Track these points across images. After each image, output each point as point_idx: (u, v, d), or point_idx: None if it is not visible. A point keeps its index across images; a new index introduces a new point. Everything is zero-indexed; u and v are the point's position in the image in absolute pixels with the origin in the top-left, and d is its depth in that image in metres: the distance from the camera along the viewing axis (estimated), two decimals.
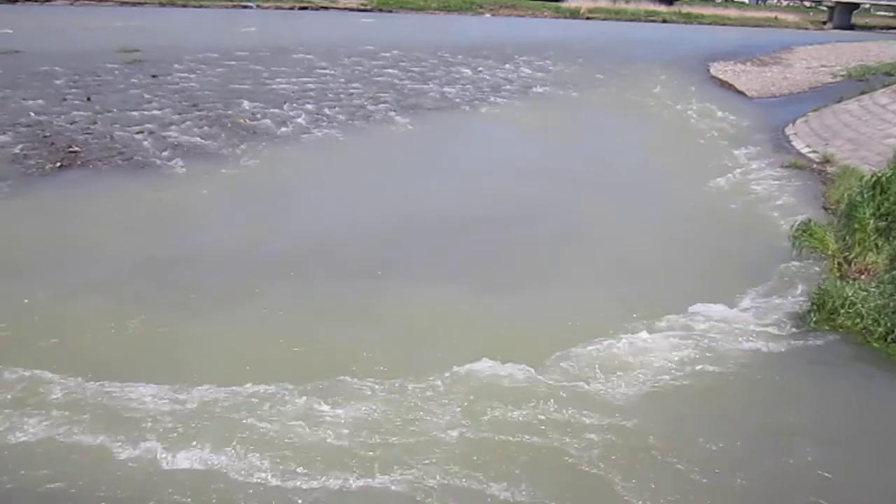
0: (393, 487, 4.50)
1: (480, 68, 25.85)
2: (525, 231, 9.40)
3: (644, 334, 6.43)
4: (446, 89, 20.79)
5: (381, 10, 68.87)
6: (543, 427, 5.12)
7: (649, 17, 65.58)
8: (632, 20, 64.06)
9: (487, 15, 66.41)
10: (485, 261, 8.30)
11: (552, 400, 5.39)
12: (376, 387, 5.47)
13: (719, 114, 19.15)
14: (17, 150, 11.83)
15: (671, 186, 11.89)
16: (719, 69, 29.18)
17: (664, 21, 64.65)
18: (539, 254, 8.66)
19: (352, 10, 68.10)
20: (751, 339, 6.49)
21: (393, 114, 16.79)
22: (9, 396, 5.16)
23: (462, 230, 9.27)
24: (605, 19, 64.17)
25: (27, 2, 59.93)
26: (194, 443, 4.80)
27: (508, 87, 22.27)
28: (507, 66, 27.10)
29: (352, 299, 7.11)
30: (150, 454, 4.68)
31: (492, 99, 19.91)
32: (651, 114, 19.43)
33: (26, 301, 6.71)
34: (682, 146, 15.45)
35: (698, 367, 5.99)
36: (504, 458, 4.82)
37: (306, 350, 6.07)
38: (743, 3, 76.13)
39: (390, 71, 23.87)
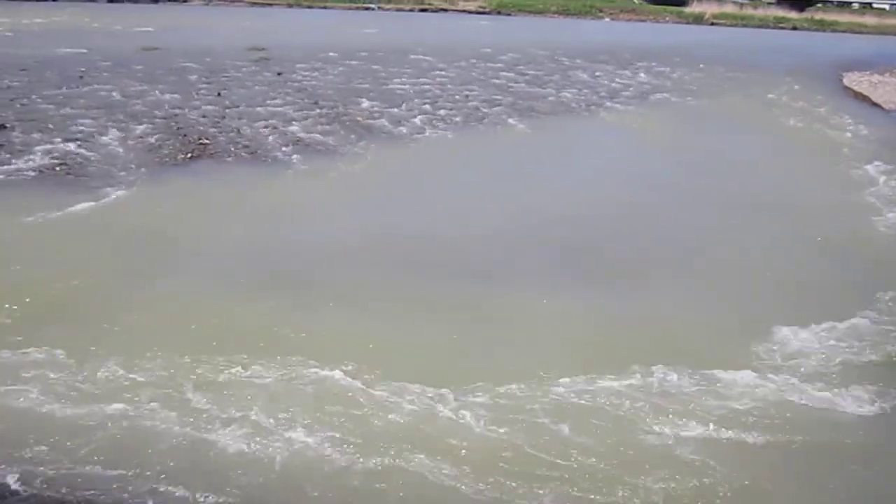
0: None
1: (598, 73, 25.48)
2: (637, 240, 9.20)
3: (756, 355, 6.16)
4: (562, 93, 20.61)
5: (499, 13, 69.01)
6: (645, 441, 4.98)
7: (778, 24, 62.68)
8: (759, 27, 61.48)
9: (607, 19, 65.35)
10: (599, 270, 8.14)
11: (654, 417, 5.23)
12: (499, 391, 5.41)
13: (851, 127, 18.11)
14: (152, 140, 12.58)
15: (795, 201, 11.32)
16: (853, 80, 27.58)
17: (794, 28, 61.60)
18: (653, 264, 8.44)
19: (470, 12, 68.53)
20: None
21: (507, 117, 16.79)
22: (148, 379, 5.47)
23: (574, 236, 9.16)
24: (730, 25, 61.85)
25: (167, 2, 63.65)
26: (322, 436, 4.93)
27: (626, 92, 21.83)
28: (626, 71, 26.59)
29: (464, 300, 7.10)
30: (274, 443, 4.84)
31: (608, 104, 19.58)
32: (776, 124, 18.58)
33: (156, 283, 7.10)
34: (808, 159, 14.71)
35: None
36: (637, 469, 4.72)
37: (416, 350, 6.11)
38: (883, 9, 71.44)
39: (506, 74, 23.89)
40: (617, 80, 24.34)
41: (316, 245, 8.35)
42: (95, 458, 4.56)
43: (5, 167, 10.66)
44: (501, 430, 5.00)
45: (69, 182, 10.27)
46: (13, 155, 11.26)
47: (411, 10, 67.66)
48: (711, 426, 5.13)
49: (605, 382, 5.58)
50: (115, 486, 4.36)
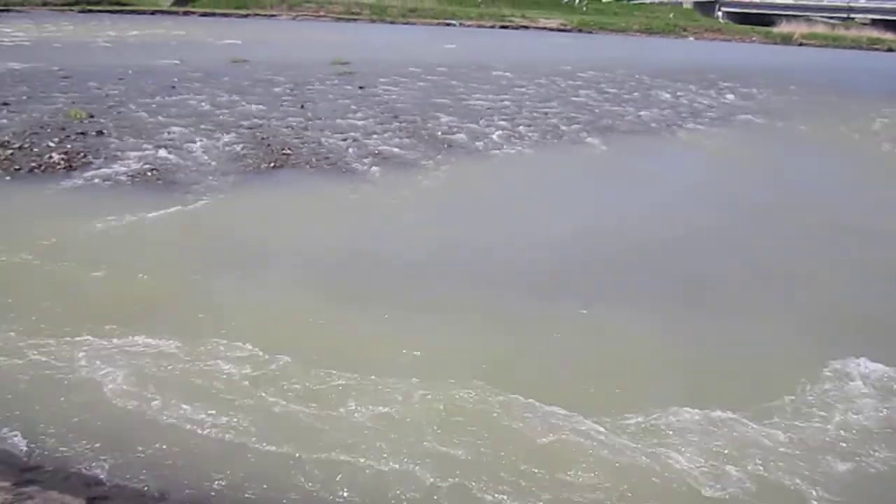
0: None
1: (680, 93, 25.07)
2: (716, 266, 8.93)
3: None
4: (643, 112, 20.34)
5: (580, 31, 68.71)
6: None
7: (872, 45, 60.34)
8: (852, 48, 59.36)
9: (690, 38, 64.22)
10: (675, 294, 7.94)
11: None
12: (580, 419, 5.34)
13: None
14: (238, 149, 13.00)
15: (887, 228, 10.84)
16: None
17: (889, 50, 59.21)
18: (732, 291, 8.19)
19: (551, 29, 68.48)
20: None
21: (585, 135, 16.66)
22: (243, 377, 5.63)
23: (650, 258, 8.98)
24: (820, 46, 59.91)
25: (256, 16, 65.78)
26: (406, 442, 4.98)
27: (709, 113, 21.39)
28: (710, 91, 26.08)
29: (537, 318, 7.06)
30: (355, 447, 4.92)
31: (690, 125, 19.22)
32: (870, 150, 17.87)
33: (235, 286, 7.31)
34: None
35: None
36: None
37: (488, 364, 6.10)
38: None
39: (586, 91, 23.76)
40: (700, 100, 23.90)
41: (393, 256, 8.44)
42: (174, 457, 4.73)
43: (102, 171, 11.21)
44: (637, 459, 4.92)
45: (159, 187, 10.70)
46: (109, 160, 11.83)
47: (492, 27, 68.06)
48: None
49: (701, 412, 5.44)
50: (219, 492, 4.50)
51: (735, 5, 76.08)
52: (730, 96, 25.32)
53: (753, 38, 65.50)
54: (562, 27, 69.72)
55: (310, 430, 5.01)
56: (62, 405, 5.12)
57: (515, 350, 6.36)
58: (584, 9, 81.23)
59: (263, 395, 5.36)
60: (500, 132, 15.94)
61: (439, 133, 15.44)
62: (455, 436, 5.02)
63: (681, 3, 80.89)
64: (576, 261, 8.72)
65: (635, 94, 24.14)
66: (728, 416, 5.38)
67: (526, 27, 69.36)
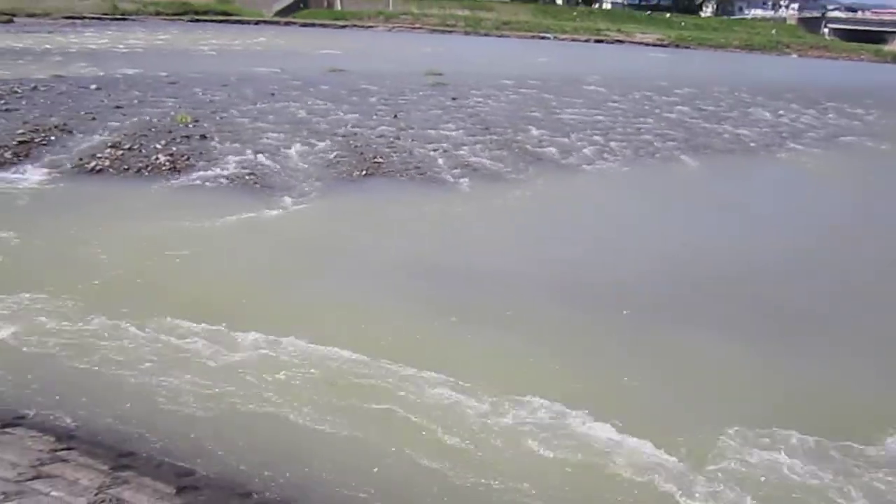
0: None
1: (781, 111, 24.21)
2: (809, 292, 8.53)
3: None
4: (741, 131, 19.74)
5: (677, 46, 67.48)
6: None
7: None
8: None
9: (794, 55, 62.05)
10: (771, 320, 7.64)
11: None
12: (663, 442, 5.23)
13: None
14: (331, 156, 13.31)
15: None
16: None
17: None
18: (827, 319, 7.82)
19: (647, 44, 67.51)
20: None
21: (679, 152, 16.28)
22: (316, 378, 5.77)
23: (743, 282, 8.66)
24: None
25: (354, 27, 67.39)
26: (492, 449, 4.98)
27: (811, 133, 20.55)
28: (812, 111, 25.09)
29: (622, 340, 6.91)
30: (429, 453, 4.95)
31: (790, 145, 18.51)
32: None
33: (322, 288, 7.48)
34: None
35: None
36: None
37: (575, 381, 6.03)
38: None
39: (682, 108, 23.26)
40: (801, 119, 23.01)
41: (477, 267, 8.44)
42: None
43: (204, 173, 11.69)
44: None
45: (256, 190, 11.06)
46: (210, 162, 12.32)
47: (587, 41, 67.63)
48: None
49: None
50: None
51: (843, 21, 73.13)
52: (834, 116, 24.29)
53: (862, 56, 62.73)
54: (658, 42, 68.60)
55: (380, 430, 5.07)
56: (160, 395, 5.34)
57: (595, 371, 6.25)
58: (682, 24, 79.70)
59: (335, 396, 5.44)
60: (592, 147, 15.77)
61: (530, 146, 15.40)
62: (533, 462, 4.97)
63: (784, 19, 78.31)
64: (664, 283, 8.49)
65: (733, 112, 23.46)
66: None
67: (621, 41, 68.62)
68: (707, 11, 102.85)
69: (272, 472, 4.64)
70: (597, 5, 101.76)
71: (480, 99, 22.05)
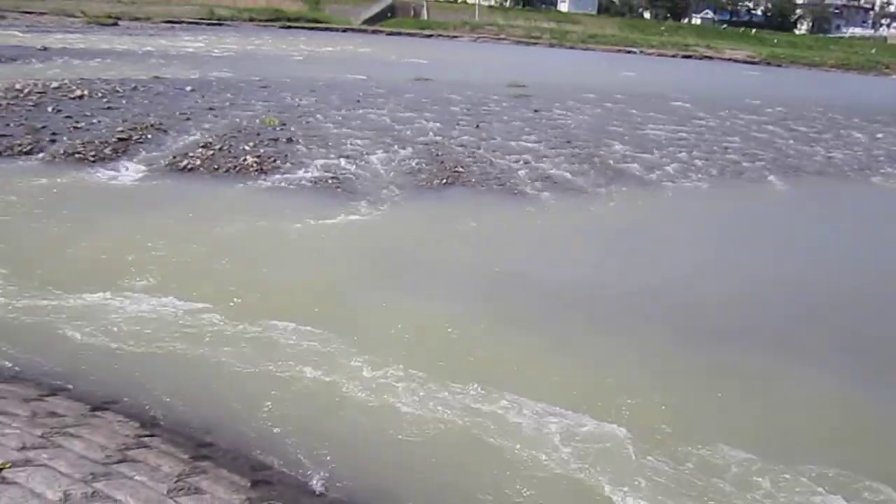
0: None
1: (879, 134, 23.19)
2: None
3: None
4: (833, 154, 18.99)
5: (768, 64, 65.63)
6: None
7: None
8: None
9: (894, 76, 59.30)
10: (861, 354, 7.30)
11: None
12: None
13: None
14: (413, 164, 13.46)
15: None
16: None
17: None
18: None
19: (737, 61, 65.88)
20: None
21: (768, 173, 15.77)
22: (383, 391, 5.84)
23: (832, 313, 8.29)
24: None
25: (439, 37, 68.12)
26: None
27: None
28: None
29: (696, 364, 6.73)
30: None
31: (888, 169, 17.69)
32: None
33: (396, 294, 7.54)
34: None
35: None
36: None
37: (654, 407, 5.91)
38: None
39: (772, 128, 22.56)
40: None
41: (551, 281, 8.35)
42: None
43: (289, 175, 12.00)
44: None
45: (338, 195, 11.27)
46: (295, 166, 12.63)
47: (674, 56, 66.47)
48: None
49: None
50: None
51: None
52: None
53: None
54: (749, 59, 66.85)
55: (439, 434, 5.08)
56: (239, 390, 5.49)
57: (670, 396, 6.10)
58: (775, 41, 77.44)
59: (407, 405, 5.48)
60: (676, 164, 15.46)
61: (612, 161, 15.20)
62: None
63: (885, 39, 75.06)
64: (743, 307, 8.23)
65: (826, 133, 22.60)
66: None
67: (710, 58, 67.15)
68: (802, 29, 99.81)
69: (345, 473, 4.70)
70: (685, 20, 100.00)
71: (563, 112, 21.92)
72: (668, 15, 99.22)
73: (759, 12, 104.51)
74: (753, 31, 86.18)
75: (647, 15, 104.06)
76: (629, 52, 67.53)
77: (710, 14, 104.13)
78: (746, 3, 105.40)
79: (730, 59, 66.59)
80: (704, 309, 7.99)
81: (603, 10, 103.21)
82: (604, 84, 31.69)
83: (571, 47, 68.86)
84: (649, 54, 66.79)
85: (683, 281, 8.82)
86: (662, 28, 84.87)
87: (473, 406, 5.48)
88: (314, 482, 4.57)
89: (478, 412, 5.41)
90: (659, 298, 8.16)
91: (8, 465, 3.55)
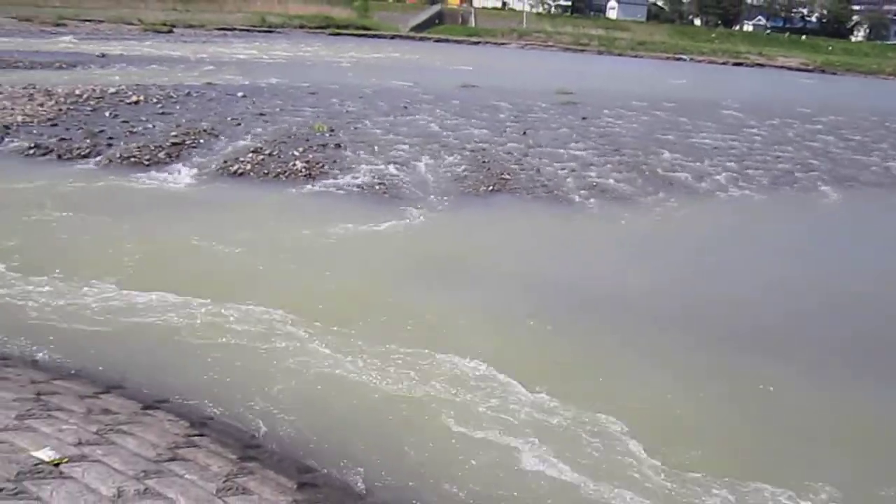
0: None
1: None
2: None
3: None
4: (891, 164, 18.46)
5: (823, 72, 64.13)
6: None
7: None
8: None
9: None
10: None
11: None
12: None
13: None
14: (459, 171, 13.48)
15: None
16: None
17: None
18: None
19: (790, 68, 64.54)
20: None
21: (821, 184, 15.40)
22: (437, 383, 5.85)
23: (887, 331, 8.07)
24: None
25: (487, 44, 68.20)
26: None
27: None
28: None
29: (752, 377, 6.58)
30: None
31: None
32: None
33: (440, 299, 7.56)
34: None
35: None
36: None
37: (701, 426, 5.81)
38: None
39: (826, 137, 22.02)
40: None
41: (598, 290, 8.29)
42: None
43: (336, 180, 12.14)
44: None
45: (385, 200, 11.36)
46: (343, 171, 12.76)
47: (724, 63, 65.47)
48: None
49: None
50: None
51: None
52: None
53: None
54: (802, 66, 65.44)
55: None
56: (287, 391, 5.56)
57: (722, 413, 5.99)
58: (830, 48, 75.70)
59: (451, 407, 5.48)
60: (726, 173, 15.19)
61: (661, 169, 15.02)
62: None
63: None
64: (791, 317, 8.05)
65: (884, 143, 21.98)
66: None
67: (762, 65, 65.95)
68: (858, 36, 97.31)
69: (390, 478, 4.72)
70: (737, 27, 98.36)
71: (611, 119, 21.74)
72: (719, 22, 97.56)
73: (813, 19, 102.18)
74: (804, 37, 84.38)
75: (697, 22, 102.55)
76: (679, 59, 66.67)
77: (763, 21, 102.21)
78: (800, 9, 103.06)
79: (782, 67, 65.28)
80: (756, 324, 7.84)
81: (652, 17, 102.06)
82: (653, 91, 31.34)
83: (620, 54, 68.27)
84: (699, 61, 65.86)
85: (733, 295, 8.63)
86: (713, 35, 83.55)
87: (514, 419, 5.47)
88: (359, 486, 4.60)
89: (517, 428, 5.40)
90: (712, 312, 7.99)
91: (65, 460, 3.65)
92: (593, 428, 5.35)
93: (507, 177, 13.25)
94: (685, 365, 6.62)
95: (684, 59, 66.51)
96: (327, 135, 15.76)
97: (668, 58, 67.14)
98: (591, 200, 12.24)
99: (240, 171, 12.32)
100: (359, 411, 5.40)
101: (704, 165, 15.82)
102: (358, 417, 5.33)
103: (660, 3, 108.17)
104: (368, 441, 5.06)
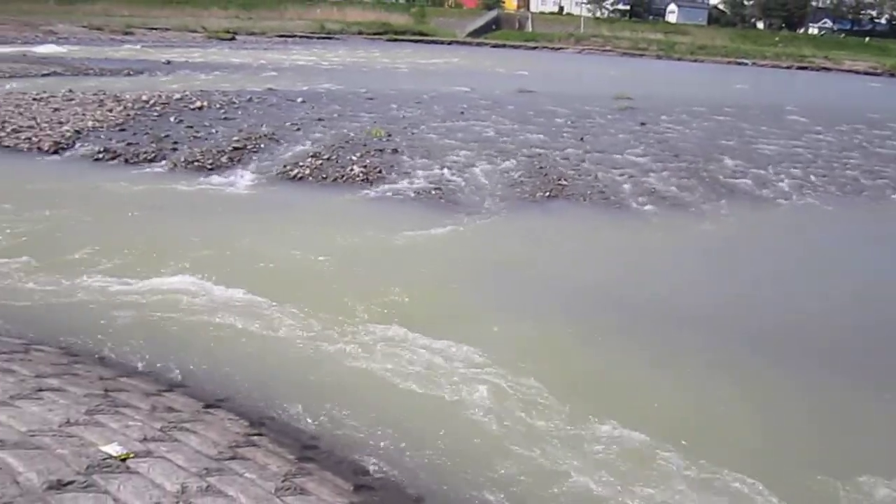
0: None
1: None
2: None
3: None
4: None
5: (892, 75, 62.03)
6: None
7: None
8: None
9: None
10: None
11: None
12: None
13: None
14: (515, 176, 13.45)
15: None
16: None
17: None
18: None
19: (858, 72, 62.63)
20: None
21: (892, 192, 14.86)
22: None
23: None
24: None
25: (544, 49, 67.96)
26: None
27: None
28: None
29: (819, 397, 6.40)
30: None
31: None
32: None
33: (496, 306, 7.54)
34: None
35: None
36: None
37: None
38: None
39: None
40: None
41: (654, 300, 8.14)
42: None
43: (393, 185, 12.24)
44: None
45: (441, 205, 11.39)
46: (400, 176, 12.86)
47: (788, 68, 63.84)
48: None
49: None
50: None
51: None
52: None
53: None
54: (871, 70, 63.40)
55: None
56: (344, 392, 5.62)
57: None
58: None
59: (510, 417, 5.45)
60: (791, 181, 14.79)
61: (722, 176, 14.71)
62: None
63: None
64: (868, 336, 7.77)
65: None
66: None
67: (828, 69, 64.12)
68: None
69: (447, 486, 4.72)
70: (801, 30, 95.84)
71: (671, 125, 21.40)
72: (783, 25, 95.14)
73: (882, 21, 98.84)
74: (867, 39, 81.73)
75: (760, 25, 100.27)
76: (741, 63, 65.30)
77: (829, 23, 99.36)
78: (869, 11, 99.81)
79: (850, 71, 63.32)
80: (824, 339, 7.59)
81: (713, 20, 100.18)
82: (713, 96, 30.74)
83: (679, 59, 67.19)
84: (762, 66, 64.37)
85: (790, 306, 8.38)
86: (777, 38, 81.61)
87: (573, 431, 5.41)
88: (415, 491, 4.62)
89: (574, 441, 5.34)
90: (776, 327, 7.75)
91: (132, 455, 3.76)
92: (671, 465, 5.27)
93: (564, 182, 13.16)
94: (756, 387, 6.44)
95: (746, 64, 65.11)
96: (384, 140, 15.90)
97: (729, 62, 65.83)
98: (650, 207, 12.06)
99: (299, 175, 12.52)
100: (415, 417, 5.41)
101: (768, 172, 15.43)
102: (415, 423, 5.33)
103: (721, 7, 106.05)
104: (425, 447, 5.06)
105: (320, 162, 13.34)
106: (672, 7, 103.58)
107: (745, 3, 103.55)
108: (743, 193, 13.55)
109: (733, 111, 25.71)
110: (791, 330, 7.62)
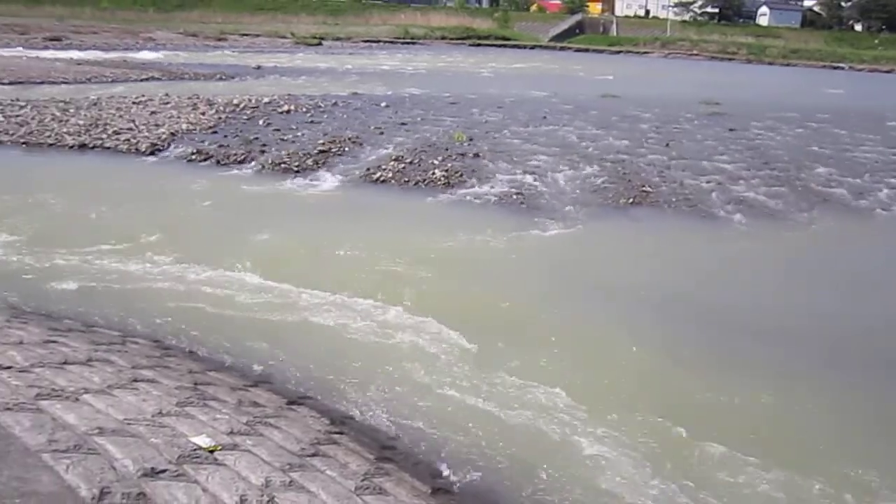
0: None
1: None
2: None
3: None
4: None
5: None
6: None
7: None
8: None
9: None
10: None
11: None
12: None
13: None
14: (598, 182, 13.27)
15: None
16: None
17: None
18: None
19: None
20: None
21: None
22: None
23: None
24: None
25: (628, 53, 66.89)
26: None
27: None
28: None
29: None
30: None
31: None
32: None
33: (573, 316, 7.43)
34: None
35: None
36: None
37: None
38: None
39: None
40: None
41: (741, 313, 7.84)
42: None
43: (474, 189, 12.27)
44: None
45: (521, 210, 11.34)
46: (481, 180, 12.87)
47: (889, 72, 60.96)
48: None
49: None
50: None
51: None
52: None
53: None
54: None
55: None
56: (425, 397, 5.65)
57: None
58: None
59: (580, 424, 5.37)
60: (889, 190, 14.07)
61: (814, 185, 14.13)
62: None
63: None
64: None
65: None
66: None
67: None
68: None
69: (524, 495, 4.69)
70: None
71: (761, 131, 20.71)
72: (883, 27, 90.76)
73: None
74: None
75: (858, 27, 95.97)
76: (836, 67, 62.71)
77: None
78: None
79: None
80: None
81: (807, 23, 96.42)
82: (806, 102, 29.63)
83: (771, 63, 65.12)
84: (859, 70, 61.68)
85: (881, 321, 7.97)
86: (876, 41, 78.02)
87: (659, 445, 5.29)
88: (493, 497, 4.60)
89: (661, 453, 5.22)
90: (857, 342, 7.38)
91: (219, 448, 3.88)
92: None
93: (648, 189, 12.90)
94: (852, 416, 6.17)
95: (842, 68, 62.50)
96: (466, 144, 15.95)
97: (823, 66, 63.35)
98: (737, 216, 11.67)
99: (381, 178, 12.70)
100: (495, 424, 5.38)
101: (865, 181, 14.74)
102: (496, 430, 5.31)
103: (816, 9, 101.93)
104: (506, 455, 5.03)
105: (403, 165, 13.49)
106: (763, 9, 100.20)
107: (843, 4, 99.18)
108: (838, 203, 12.97)
109: (828, 117, 24.73)
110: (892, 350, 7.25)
